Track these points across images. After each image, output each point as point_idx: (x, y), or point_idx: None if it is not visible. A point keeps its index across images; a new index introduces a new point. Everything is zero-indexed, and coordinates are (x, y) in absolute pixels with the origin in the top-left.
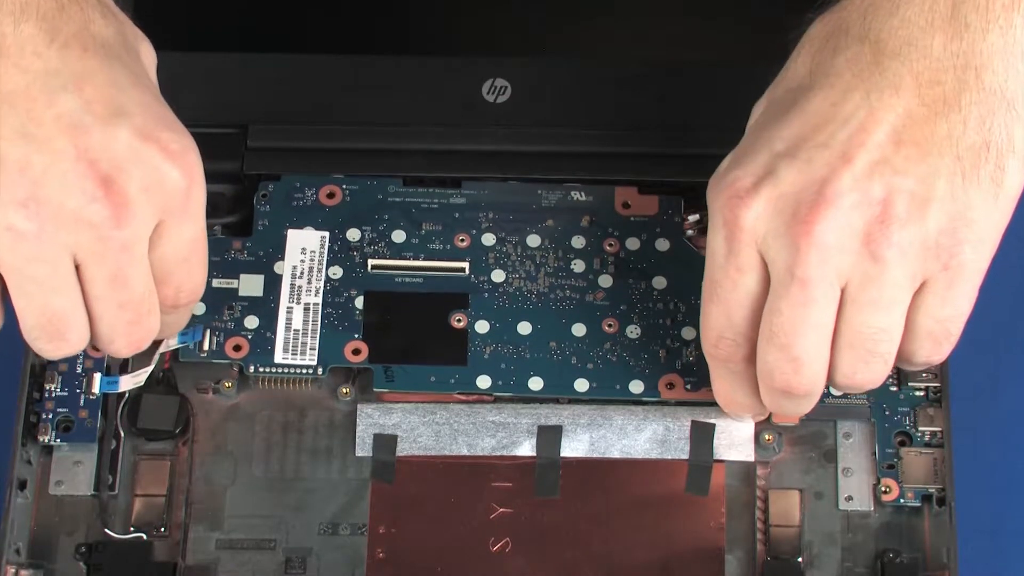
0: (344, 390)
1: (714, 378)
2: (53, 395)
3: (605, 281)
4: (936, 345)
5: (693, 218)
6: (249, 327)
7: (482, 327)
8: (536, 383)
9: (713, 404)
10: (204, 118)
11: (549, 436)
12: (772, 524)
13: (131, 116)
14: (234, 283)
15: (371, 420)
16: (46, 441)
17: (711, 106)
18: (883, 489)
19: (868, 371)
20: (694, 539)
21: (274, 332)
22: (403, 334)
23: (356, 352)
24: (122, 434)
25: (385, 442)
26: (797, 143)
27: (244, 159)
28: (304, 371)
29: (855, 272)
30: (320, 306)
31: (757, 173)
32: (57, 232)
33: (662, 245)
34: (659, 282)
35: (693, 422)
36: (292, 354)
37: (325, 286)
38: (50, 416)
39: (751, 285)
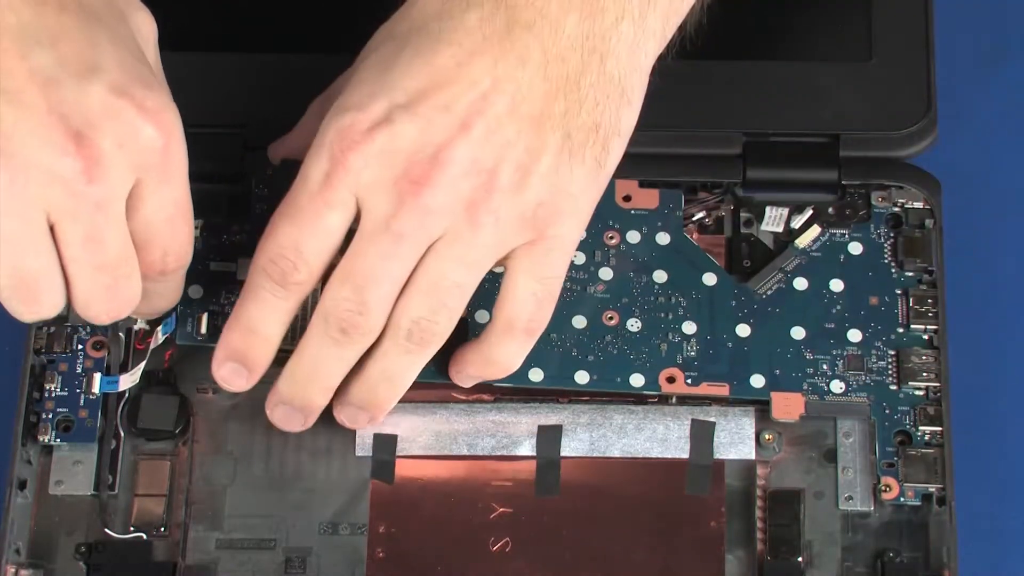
0: None
1: (247, 300)
2: (53, 395)
3: (605, 274)
4: (539, 303)
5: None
6: None
7: (483, 317)
8: (536, 374)
9: (713, 403)
10: (204, 118)
11: (549, 435)
12: (772, 524)
13: (106, 72)
14: (232, 267)
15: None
16: (46, 441)
17: (711, 105)
18: (883, 488)
19: (433, 320)
20: (694, 539)
21: None
22: None
23: None
24: (122, 434)
25: (385, 442)
26: (419, 98)
27: (244, 159)
28: None
29: (449, 230)
30: (319, 292)
31: (374, 119)
32: (27, 186)
33: (663, 239)
34: (659, 276)
35: (693, 421)
36: (290, 339)
37: None
38: (50, 416)
39: (335, 222)
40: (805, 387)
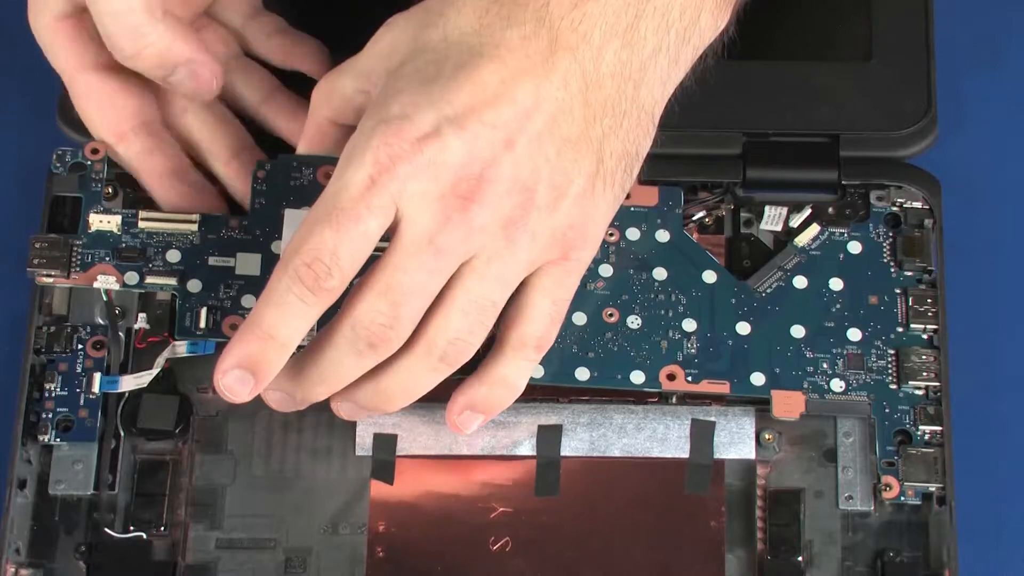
0: None
1: (270, 304)
2: (53, 395)
3: (605, 271)
4: (552, 323)
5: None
6: (246, 306)
7: None
8: (537, 371)
9: (713, 402)
10: None
11: (549, 435)
12: (772, 524)
13: None
14: (231, 261)
15: (371, 419)
16: (46, 441)
17: (711, 105)
18: (884, 487)
19: (468, 340)
20: (694, 539)
21: None
22: None
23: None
24: (122, 434)
25: (385, 442)
26: (466, 113)
27: None
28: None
29: (486, 248)
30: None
31: (424, 130)
32: None
33: (662, 236)
34: (659, 273)
35: (693, 420)
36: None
37: None
38: (50, 416)
39: (374, 228)
40: (805, 385)
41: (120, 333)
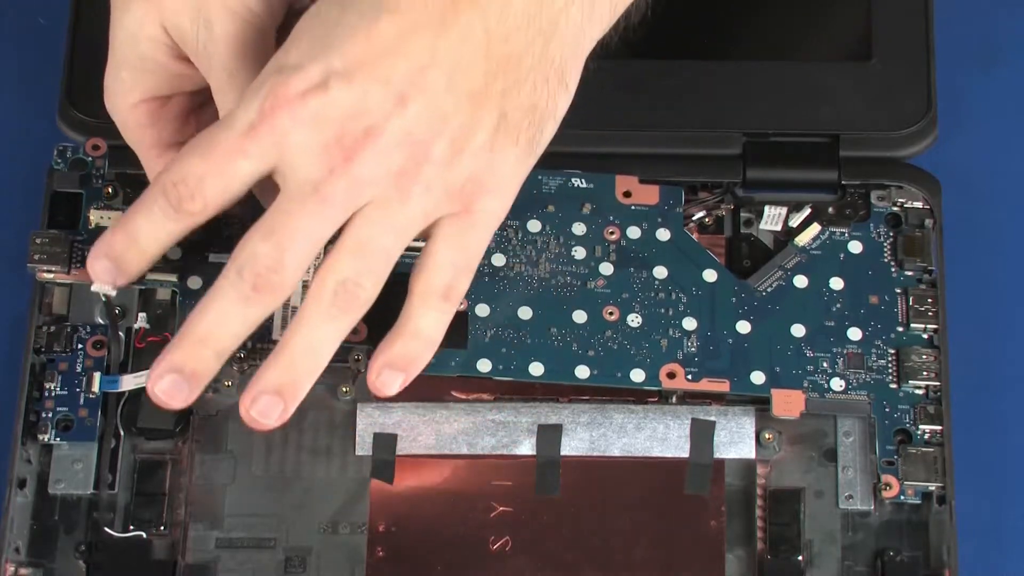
0: (344, 389)
1: (138, 209)
2: (53, 394)
3: (606, 269)
4: (459, 273)
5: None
6: None
7: (482, 310)
8: (537, 368)
9: (713, 402)
10: None
11: (549, 435)
12: (772, 523)
13: None
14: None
15: (371, 419)
16: (46, 440)
17: (711, 105)
18: (884, 486)
19: (359, 283)
20: (694, 539)
21: None
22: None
23: (355, 332)
24: (122, 433)
25: (385, 441)
26: (357, 67)
27: None
28: None
29: (378, 197)
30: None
31: (311, 80)
32: None
33: (663, 235)
34: (660, 272)
35: (693, 420)
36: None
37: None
38: (50, 415)
39: (246, 170)
40: (805, 384)
41: (120, 333)
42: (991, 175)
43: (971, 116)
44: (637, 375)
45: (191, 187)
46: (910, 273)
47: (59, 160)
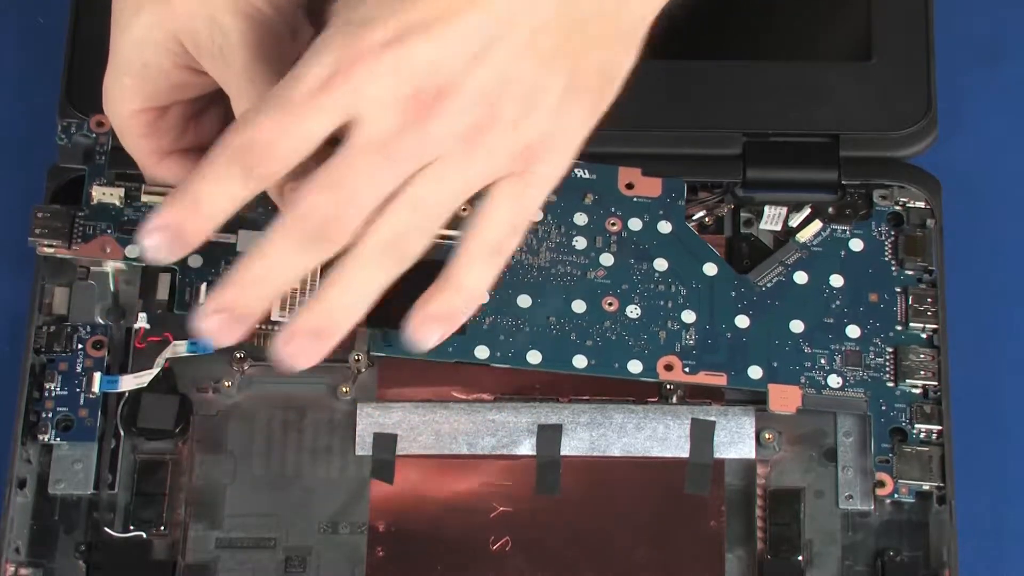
0: (344, 389)
1: (203, 175)
2: (53, 394)
3: (606, 260)
4: (512, 231)
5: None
6: None
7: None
8: (534, 356)
9: (713, 401)
10: None
11: (549, 435)
12: (772, 523)
13: None
14: (232, 238)
15: (371, 419)
16: (46, 440)
17: (711, 105)
18: (878, 483)
19: (411, 237)
20: (694, 539)
21: None
22: (401, 298)
23: None
24: (122, 433)
25: (385, 441)
26: (435, 21)
27: None
28: None
29: (443, 156)
30: (318, 268)
31: (388, 33)
32: None
33: (664, 227)
34: (660, 264)
35: (693, 420)
36: (290, 312)
37: None
38: (50, 415)
39: (318, 128)
40: (802, 380)
41: (120, 333)
42: (991, 175)
43: (972, 116)
44: (635, 366)
45: (262, 149)
46: (910, 272)
47: (63, 136)
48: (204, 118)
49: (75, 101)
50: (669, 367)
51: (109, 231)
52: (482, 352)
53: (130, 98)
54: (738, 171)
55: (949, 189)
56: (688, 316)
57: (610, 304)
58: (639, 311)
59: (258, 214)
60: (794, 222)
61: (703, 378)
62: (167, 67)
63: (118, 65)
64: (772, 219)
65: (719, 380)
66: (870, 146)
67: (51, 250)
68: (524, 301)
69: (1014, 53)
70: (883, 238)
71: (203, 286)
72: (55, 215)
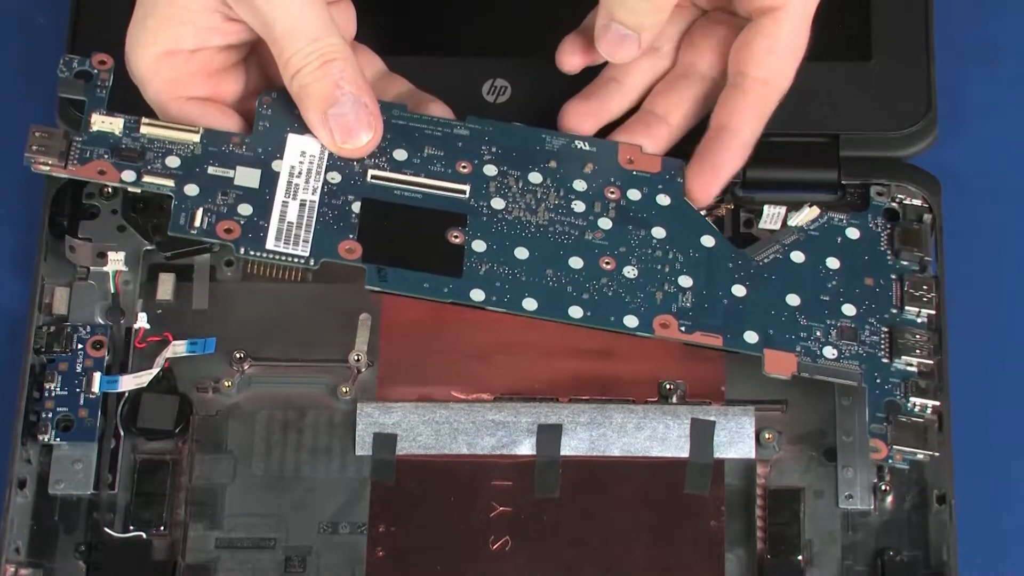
0: (344, 389)
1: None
2: (53, 394)
3: (604, 224)
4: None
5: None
6: (243, 213)
7: (479, 246)
8: (530, 303)
9: (713, 401)
10: None
11: (549, 435)
12: (772, 523)
13: None
14: (230, 173)
15: (371, 419)
16: (46, 440)
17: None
18: (872, 449)
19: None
20: (694, 539)
21: (267, 221)
22: (399, 240)
23: (350, 251)
24: (122, 433)
25: (385, 441)
26: None
27: None
28: (296, 260)
29: None
30: (316, 204)
31: None
32: None
33: (663, 200)
34: (658, 232)
35: (693, 420)
36: (284, 243)
37: (323, 188)
38: (50, 415)
39: None
40: (798, 349)
41: (120, 332)
42: (991, 175)
43: (971, 116)
44: (630, 320)
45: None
46: (906, 263)
47: (64, 70)
48: (226, 76)
49: (75, 101)
50: (665, 325)
51: (106, 156)
52: (477, 295)
53: (152, 41)
54: (738, 171)
55: (949, 189)
56: (685, 281)
57: (607, 263)
58: (636, 272)
59: (256, 154)
60: (793, 222)
61: (699, 337)
62: (196, 8)
63: (144, 9)
64: (772, 219)
65: (715, 341)
66: (870, 146)
67: (47, 168)
68: (521, 253)
69: (1014, 53)
70: (879, 229)
71: (199, 211)
72: (52, 135)
